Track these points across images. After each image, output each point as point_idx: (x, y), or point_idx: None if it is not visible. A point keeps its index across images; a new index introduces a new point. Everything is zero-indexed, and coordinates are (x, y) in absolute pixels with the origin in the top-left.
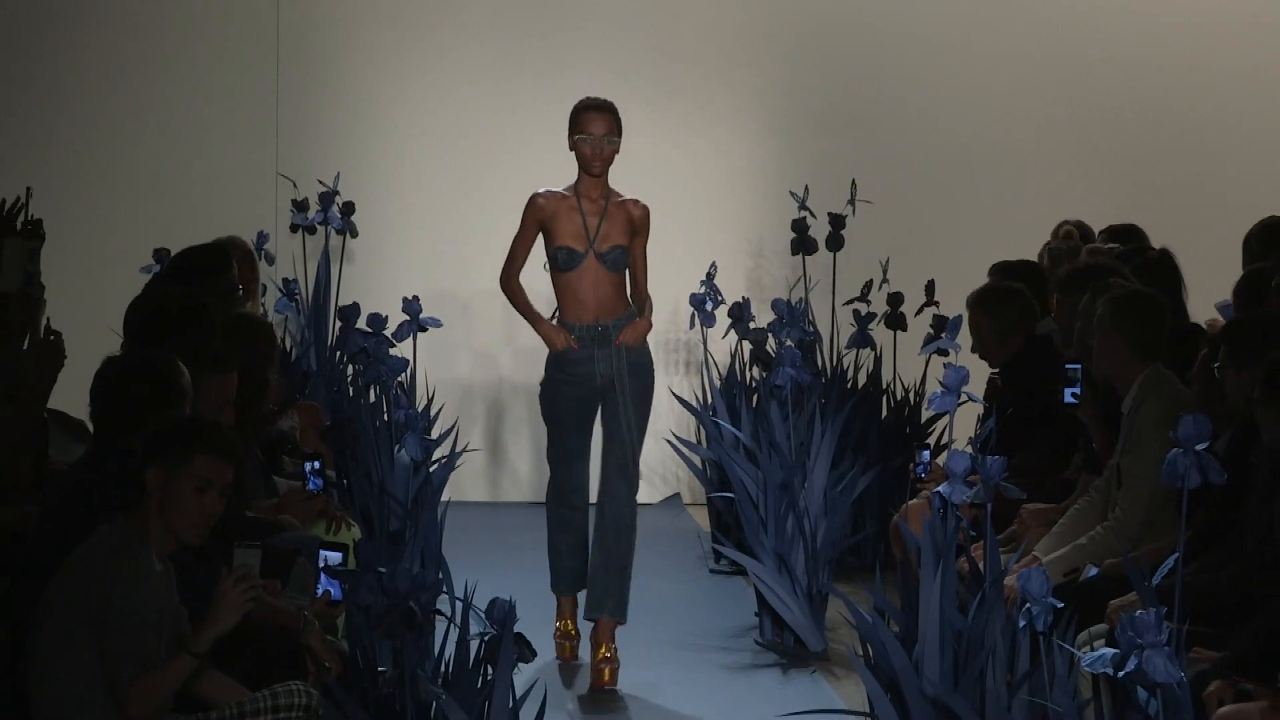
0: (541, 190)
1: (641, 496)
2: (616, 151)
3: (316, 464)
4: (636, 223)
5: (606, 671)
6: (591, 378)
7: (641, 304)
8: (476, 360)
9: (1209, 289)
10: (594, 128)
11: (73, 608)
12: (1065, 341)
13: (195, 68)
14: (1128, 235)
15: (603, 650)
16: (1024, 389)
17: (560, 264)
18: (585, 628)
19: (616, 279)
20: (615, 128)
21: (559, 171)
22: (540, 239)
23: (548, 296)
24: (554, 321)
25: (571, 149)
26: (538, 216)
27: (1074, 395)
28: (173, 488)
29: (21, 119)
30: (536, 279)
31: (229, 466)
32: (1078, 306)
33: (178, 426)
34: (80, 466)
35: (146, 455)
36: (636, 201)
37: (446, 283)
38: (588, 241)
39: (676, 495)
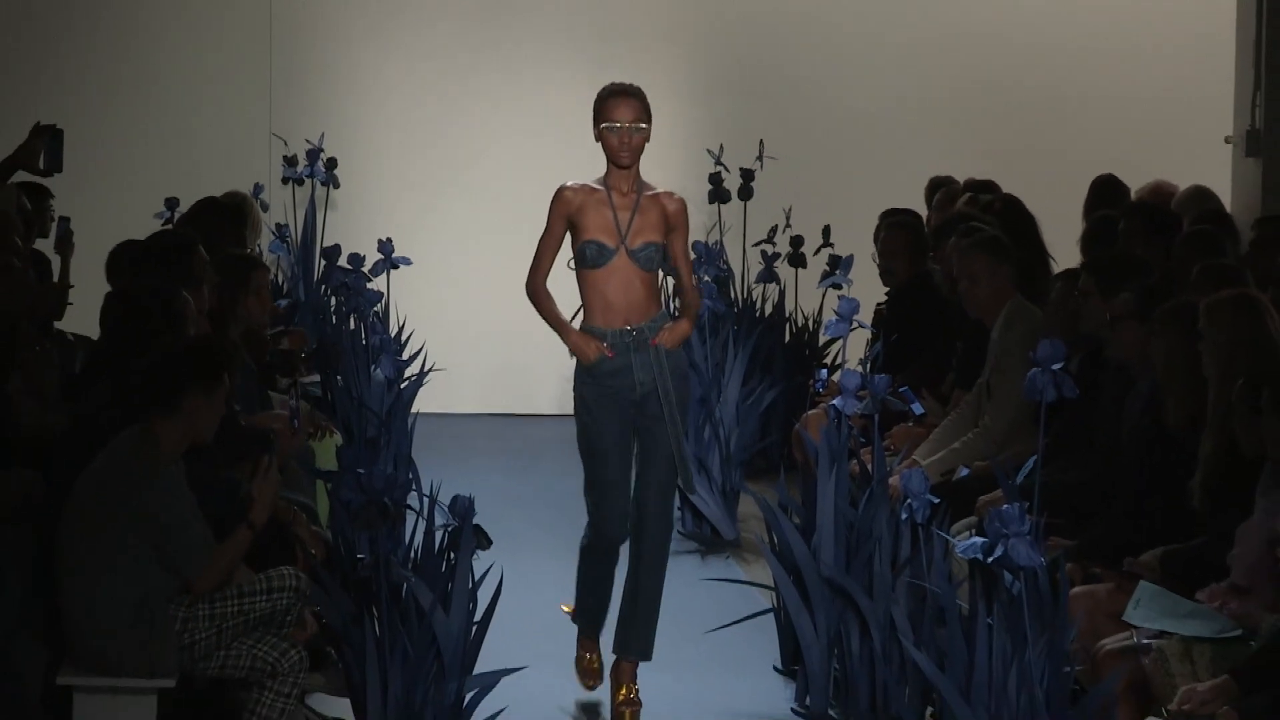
0: (569, 183)
1: None
2: (647, 140)
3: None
4: (671, 218)
5: (628, 714)
6: (630, 388)
7: (688, 305)
8: (442, 292)
9: (1056, 233)
10: (620, 114)
11: (104, 510)
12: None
13: (199, 44)
14: (985, 188)
15: (624, 691)
16: (907, 318)
17: (589, 260)
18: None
19: (648, 279)
20: (644, 113)
21: (511, 138)
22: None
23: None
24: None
25: (597, 139)
26: (565, 211)
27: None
28: (211, 404)
29: (44, 91)
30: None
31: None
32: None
33: (209, 351)
34: (98, 385)
35: (184, 378)
36: (670, 195)
37: (416, 227)
38: (619, 237)
39: None
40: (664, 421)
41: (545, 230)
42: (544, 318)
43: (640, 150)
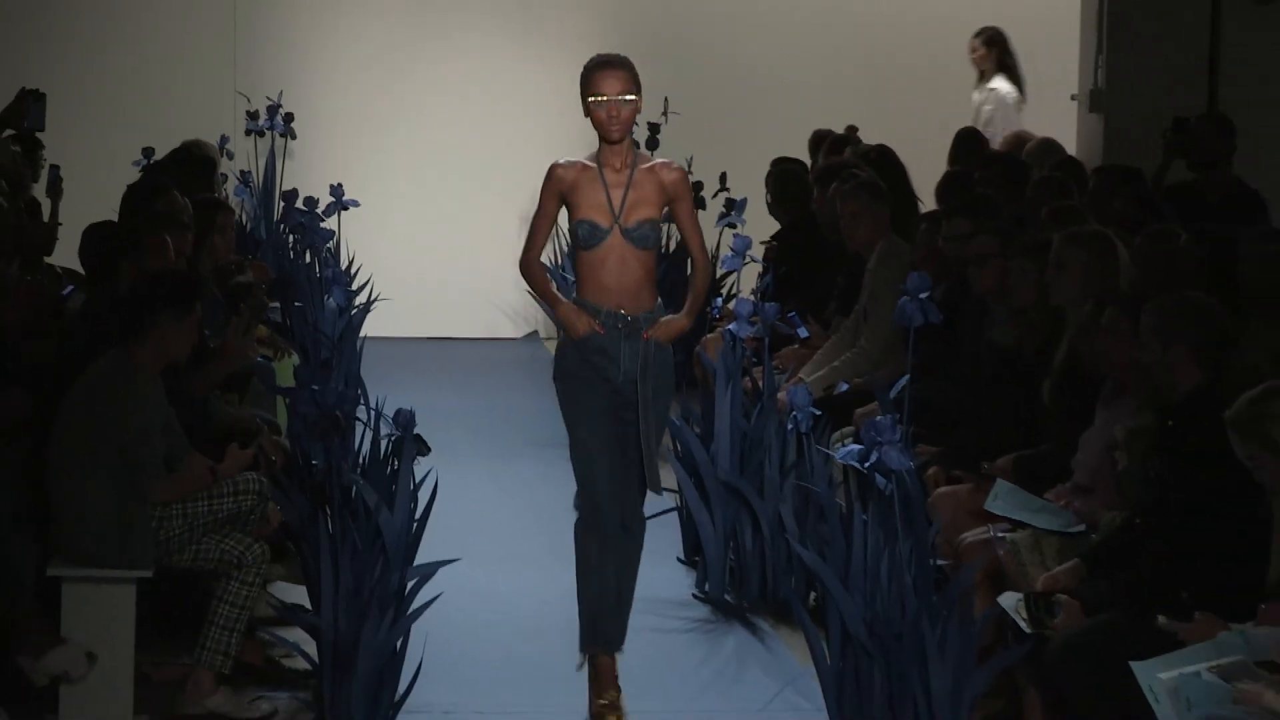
0: (561, 160)
1: (504, 331)
2: (637, 110)
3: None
4: (670, 188)
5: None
6: (614, 373)
7: (696, 291)
8: (386, 230)
9: (923, 179)
10: (606, 88)
11: (86, 424)
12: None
13: (171, 13)
14: (847, 140)
15: (608, 694)
16: (793, 253)
17: (582, 240)
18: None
19: (645, 259)
20: (632, 84)
21: (448, 95)
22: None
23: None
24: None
25: (587, 115)
26: (557, 189)
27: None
28: (181, 329)
29: (34, 56)
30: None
31: None
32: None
33: (178, 282)
34: (82, 311)
35: (156, 305)
36: (667, 164)
37: (364, 173)
38: (612, 216)
39: (535, 332)
40: (638, 419)
41: (538, 209)
42: (537, 292)
43: (629, 123)
